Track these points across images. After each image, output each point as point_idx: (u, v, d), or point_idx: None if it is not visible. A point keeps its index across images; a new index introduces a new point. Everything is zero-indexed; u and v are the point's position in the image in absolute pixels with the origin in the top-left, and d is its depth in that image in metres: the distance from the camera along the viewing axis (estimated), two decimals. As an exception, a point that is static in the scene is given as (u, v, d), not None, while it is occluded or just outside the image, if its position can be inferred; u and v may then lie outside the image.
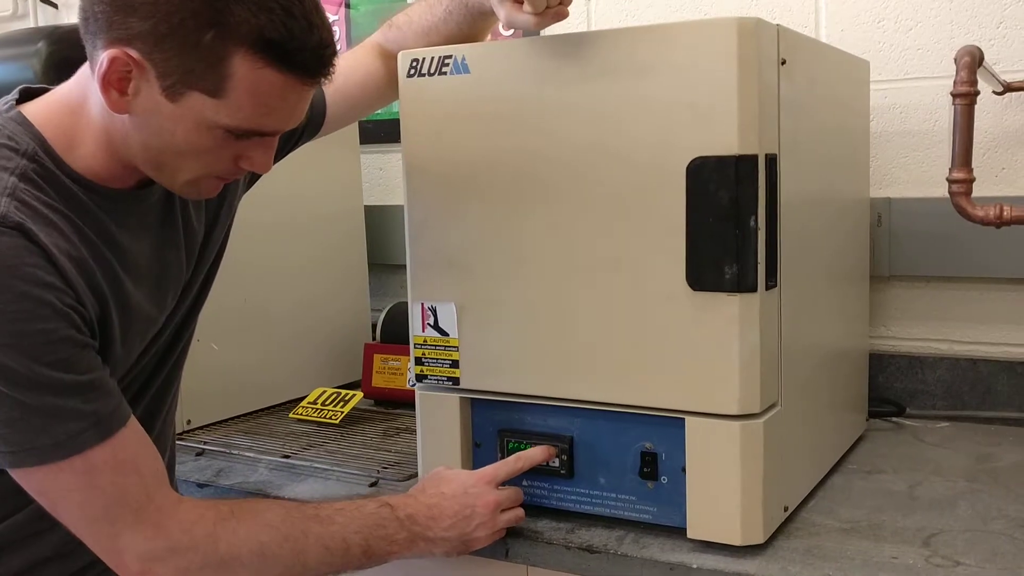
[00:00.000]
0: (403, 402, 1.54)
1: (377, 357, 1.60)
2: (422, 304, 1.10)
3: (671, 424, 0.98)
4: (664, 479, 1.00)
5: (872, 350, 1.42)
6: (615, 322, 0.99)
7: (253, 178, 1.14)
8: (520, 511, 1.03)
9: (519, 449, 1.07)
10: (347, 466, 1.26)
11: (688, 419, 0.96)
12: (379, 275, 1.86)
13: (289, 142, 1.15)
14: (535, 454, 1.04)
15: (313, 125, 1.17)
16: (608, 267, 0.99)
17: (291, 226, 1.61)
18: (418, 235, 1.10)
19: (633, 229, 0.97)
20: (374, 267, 1.82)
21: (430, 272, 1.09)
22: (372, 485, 1.21)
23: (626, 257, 0.98)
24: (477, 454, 1.10)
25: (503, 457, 1.07)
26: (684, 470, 0.98)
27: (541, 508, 1.07)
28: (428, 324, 1.10)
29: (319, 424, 1.45)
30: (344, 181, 1.75)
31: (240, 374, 1.51)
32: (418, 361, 1.11)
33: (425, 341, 1.10)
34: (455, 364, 1.09)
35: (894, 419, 1.41)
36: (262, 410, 1.54)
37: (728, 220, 0.93)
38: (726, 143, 0.92)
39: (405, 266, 1.11)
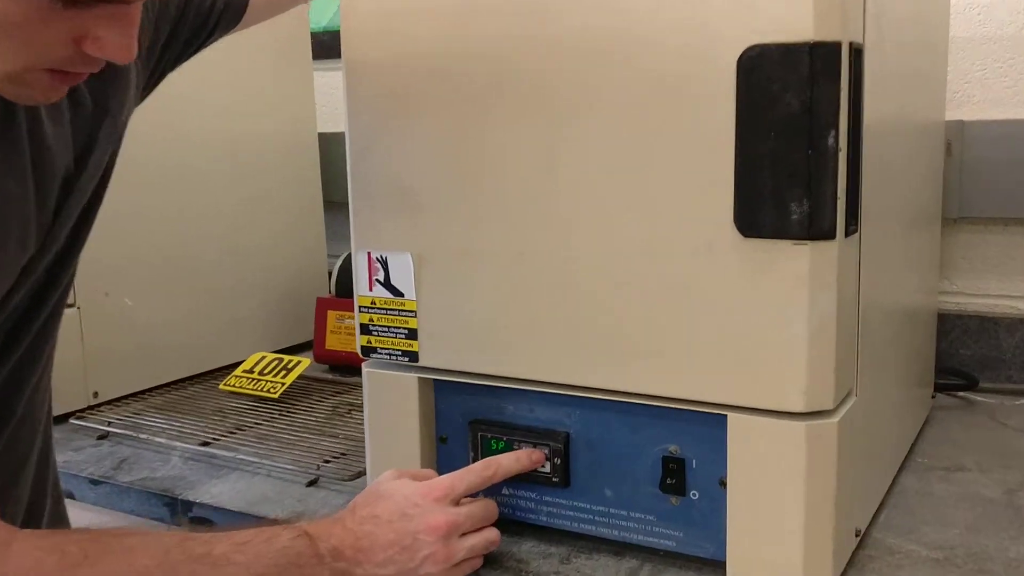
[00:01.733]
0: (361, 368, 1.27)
1: (331, 314, 1.33)
2: (368, 254, 0.82)
3: (707, 422, 0.71)
4: (694, 495, 0.73)
5: (936, 309, 1.15)
6: (631, 281, 0.71)
7: (151, 82, 0.84)
8: (491, 534, 0.76)
9: (499, 448, 0.80)
10: (280, 458, 0.99)
11: (732, 416, 0.69)
12: (337, 215, 1.58)
13: (198, 34, 0.85)
14: (511, 461, 0.77)
15: (232, 11, 0.87)
16: (623, 204, 0.71)
17: (229, 157, 1.33)
18: (362, 162, 0.82)
19: (658, 150, 0.69)
20: (331, 205, 1.54)
21: (378, 212, 0.81)
22: (310, 484, 0.94)
23: (648, 190, 0.70)
24: (443, 452, 0.84)
25: (476, 457, 0.81)
26: (724, 483, 0.71)
27: (526, 526, 0.81)
28: (377, 280, 0.82)
29: (255, 398, 1.18)
30: (294, 104, 1.46)
31: (161, 335, 1.24)
32: (364, 329, 0.84)
33: (373, 303, 0.83)
34: (412, 334, 0.81)
35: (962, 394, 1.15)
36: (189, 379, 1.27)
37: (797, 136, 0.64)
38: (796, 25, 0.64)
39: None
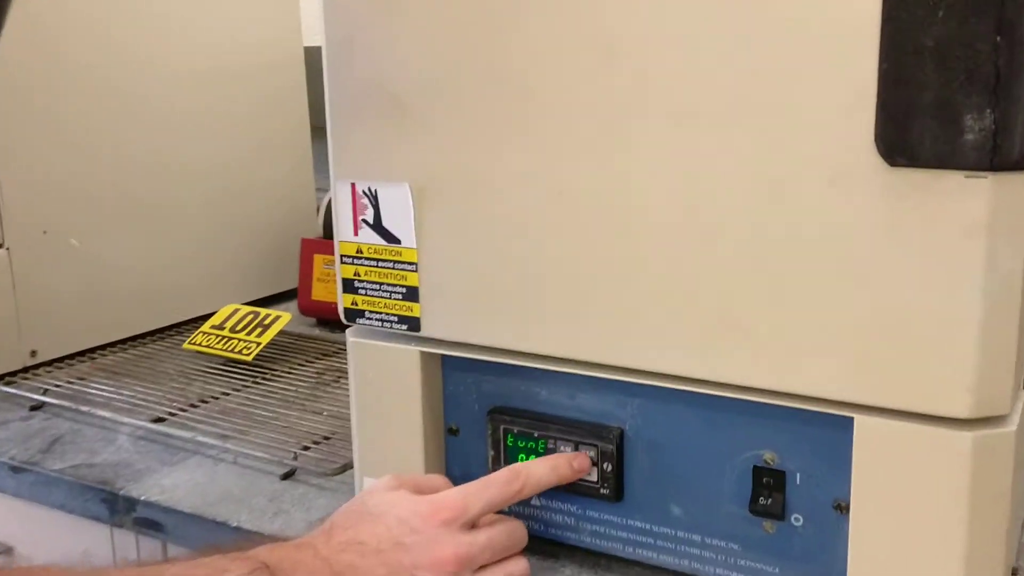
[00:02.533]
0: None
1: (318, 259, 1.13)
2: (352, 187, 0.62)
3: (821, 424, 0.51)
4: (797, 520, 0.54)
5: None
6: (719, 227, 0.51)
7: None
8: (516, 567, 0.56)
9: (526, 447, 0.60)
10: (250, 441, 0.79)
11: (862, 420, 0.50)
12: (327, 143, 1.37)
13: None
14: (546, 470, 0.58)
15: None
16: (708, 116, 0.50)
17: (197, 73, 1.11)
18: (342, 62, 0.61)
19: (762, 39, 0.48)
20: (320, 132, 1.33)
21: (365, 129, 0.61)
22: (285, 477, 0.75)
23: (747, 96, 0.49)
24: (452, 447, 0.64)
25: (497, 456, 0.61)
26: (842, 508, 0.52)
27: (563, 548, 0.61)
28: (364, 222, 0.62)
29: (225, 361, 0.98)
30: (275, 12, 1.23)
31: (113, 282, 1.04)
32: (348, 286, 0.64)
33: (360, 252, 0.63)
34: (412, 294, 0.61)
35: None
36: (147, 335, 1.07)
37: (980, 15, 0.43)
38: None
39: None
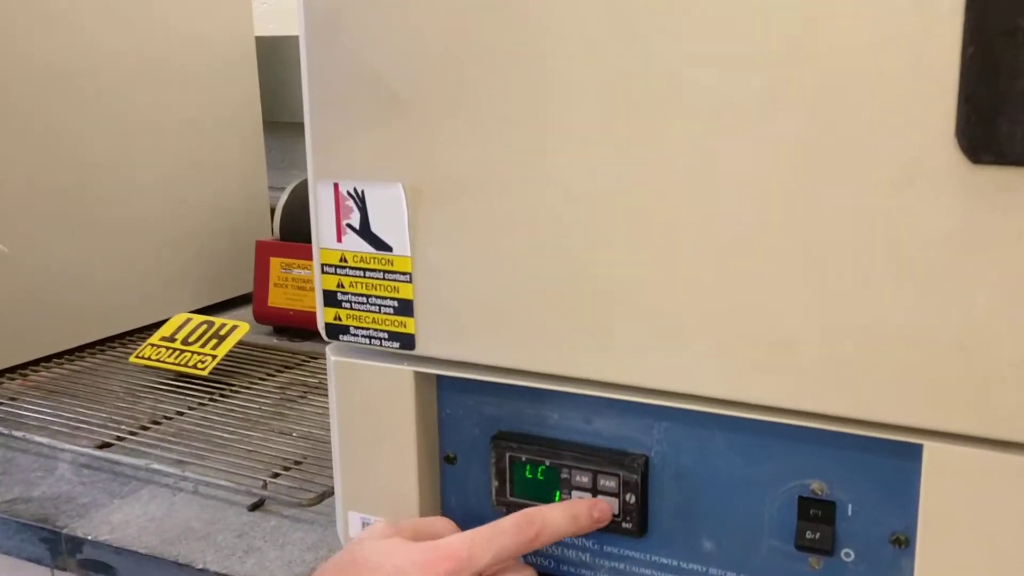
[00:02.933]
0: (314, 332, 1.00)
1: (275, 262, 1.05)
2: (335, 187, 0.54)
3: (880, 451, 0.46)
4: (848, 555, 0.48)
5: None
6: (766, 232, 0.45)
7: None
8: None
9: (536, 478, 0.54)
10: (210, 467, 0.71)
11: (932, 447, 0.44)
12: (281, 139, 1.29)
13: None
14: (564, 520, 0.51)
15: None
16: (751, 104, 0.44)
17: (141, 65, 1.03)
18: (323, 46, 0.53)
19: (816, 16, 0.42)
20: (274, 127, 1.25)
21: (349, 122, 0.53)
22: (254, 508, 0.68)
23: (798, 82, 0.43)
24: (449, 477, 0.57)
25: (502, 487, 0.55)
26: (900, 542, 0.47)
27: (578, 588, 0.55)
28: (349, 227, 0.54)
29: (178, 376, 0.90)
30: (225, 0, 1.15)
31: (49, 290, 0.95)
32: (330, 299, 0.56)
33: (344, 260, 0.55)
34: (406, 307, 0.54)
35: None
36: (87, 348, 0.98)
37: (1078, -11, 0.38)
38: None
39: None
